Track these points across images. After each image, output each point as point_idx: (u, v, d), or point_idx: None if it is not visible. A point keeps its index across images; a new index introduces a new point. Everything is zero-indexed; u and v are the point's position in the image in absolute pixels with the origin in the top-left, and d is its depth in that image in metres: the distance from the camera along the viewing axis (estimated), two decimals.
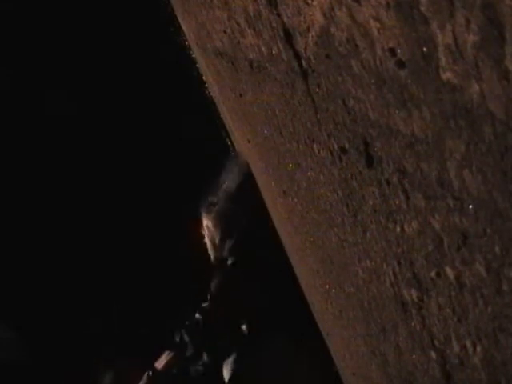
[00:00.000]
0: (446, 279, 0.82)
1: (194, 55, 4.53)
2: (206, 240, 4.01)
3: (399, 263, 1.00)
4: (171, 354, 3.68)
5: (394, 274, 1.04)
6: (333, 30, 0.86)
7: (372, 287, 1.25)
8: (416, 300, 0.98)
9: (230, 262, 3.82)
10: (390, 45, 0.70)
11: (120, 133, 5.81)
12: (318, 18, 0.90)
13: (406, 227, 0.90)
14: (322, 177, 1.30)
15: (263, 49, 1.34)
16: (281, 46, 1.17)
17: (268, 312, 3.63)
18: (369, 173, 0.96)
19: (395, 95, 0.75)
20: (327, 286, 1.88)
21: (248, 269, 3.71)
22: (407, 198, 0.85)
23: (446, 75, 0.61)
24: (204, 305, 3.73)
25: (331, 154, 1.14)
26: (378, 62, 0.76)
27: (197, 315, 3.72)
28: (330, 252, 1.60)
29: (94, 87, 5.69)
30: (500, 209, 0.61)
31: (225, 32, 1.76)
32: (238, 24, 1.50)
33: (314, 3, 0.89)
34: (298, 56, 1.09)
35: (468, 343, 0.82)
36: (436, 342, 0.95)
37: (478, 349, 0.79)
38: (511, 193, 0.58)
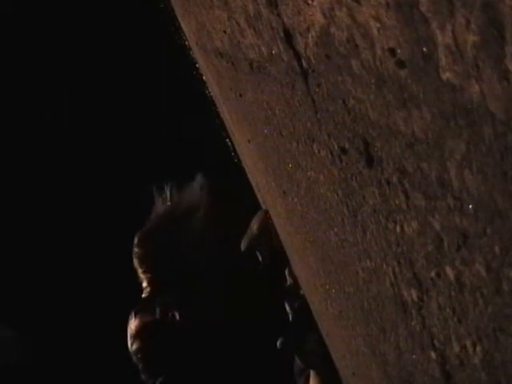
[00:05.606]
0: (446, 279, 0.82)
1: (194, 55, 4.53)
2: None
3: (399, 263, 1.00)
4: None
5: (394, 274, 1.04)
6: (333, 30, 0.86)
7: (372, 287, 1.25)
8: (416, 300, 0.98)
9: None
10: (390, 45, 0.70)
11: (119, 132, 5.81)
12: (318, 18, 0.89)
13: (405, 227, 0.90)
14: (322, 177, 1.30)
15: (263, 49, 1.34)
16: (281, 46, 1.17)
17: None
18: (369, 173, 0.96)
19: (395, 95, 0.75)
20: (327, 286, 1.88)
21: None
22: (407, 197, 0.85)
23: (446, 75, 0.61)
24: None
25: (331, 153, 1.13)
26: (377, 62, 0.76)
27: None
28: (330, 252, 1.60)
29: (93, 87, 5.69)
30: (500, 209, 0.61)
31: (225, 32, 1.75)
32: (238, 24, 1.50)
33: (314, 3, 0.89)
34: (298, 56, 1.09)
35: (468, 343, 0.82)
36: (436, 342, 0.95)
37: (478, 349, 0.79)
38: (511, 193, 0.58)
